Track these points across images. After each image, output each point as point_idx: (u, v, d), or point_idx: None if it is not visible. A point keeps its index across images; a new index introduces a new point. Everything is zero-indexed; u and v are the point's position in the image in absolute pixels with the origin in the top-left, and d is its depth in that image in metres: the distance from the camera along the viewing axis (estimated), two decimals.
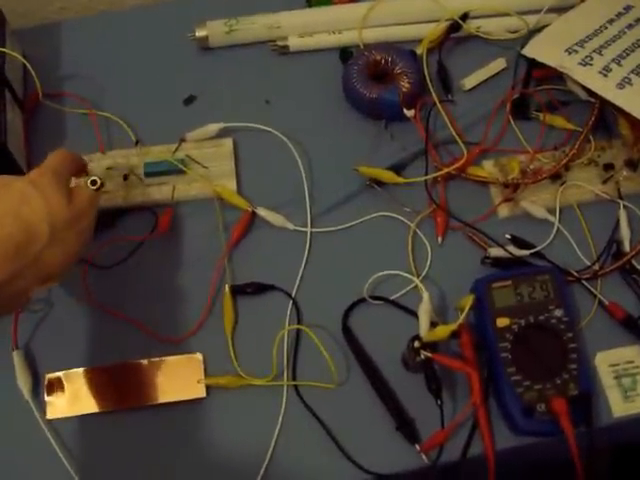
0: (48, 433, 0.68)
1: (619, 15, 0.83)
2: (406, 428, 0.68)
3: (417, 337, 0.68)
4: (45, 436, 0.68)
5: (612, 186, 0.78)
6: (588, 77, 0.78)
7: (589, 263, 0.75)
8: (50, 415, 0.69)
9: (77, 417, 0.69)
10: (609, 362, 0.71)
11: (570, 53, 0.80)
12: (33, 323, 0.73)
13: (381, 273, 0.73)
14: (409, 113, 0.81)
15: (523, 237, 0.76)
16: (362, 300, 0.73)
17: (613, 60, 0.79)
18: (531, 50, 0.82)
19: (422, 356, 0.67)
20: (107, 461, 0.68)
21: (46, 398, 0.70)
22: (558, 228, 0.77)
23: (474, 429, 0.67)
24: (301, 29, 0.88)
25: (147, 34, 0.91)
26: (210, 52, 0.88)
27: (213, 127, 0.81)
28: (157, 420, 0.69)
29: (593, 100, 0.80)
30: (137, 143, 0.81)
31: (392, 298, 0.74)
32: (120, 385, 0.71)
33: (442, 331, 0.67)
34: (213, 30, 0.87)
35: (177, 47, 0.89)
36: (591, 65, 0.78)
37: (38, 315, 0.73)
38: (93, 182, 0.77)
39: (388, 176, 0.78)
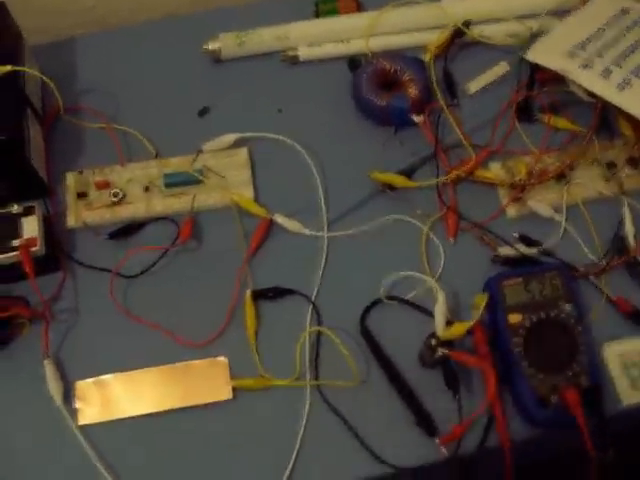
0: (81, 439, 0.70)
1: (617, 18, 0.86)
2: (425, 422, 0.70)
3: (434, 335, 0.71)
4: (78, 442, 0.70)
5: (615, 184, 0.81)
6: (589, 80, 0.81)
7: (596, 259, 0.78)
8: (82, 421, 0.72)
9: (108, 422, 0.72)
10: (617, 353, 0.74)
11: (571, 56, 0.82)
12: (62, 332, 0.76)
13: (396, 274, 0.76)
14: (418, 119, 0.84)
15: (531, 236, 0.79)
16: (379, 301, 0.76)
17: (613, 62, 0.81)
18: (533, 54, 0.85)
19: (439, 353, 0.70)
20: (140, 464, 0.70)
21: (77, 405, 0.72)
22: (565, 226, 0.79)
23: (490, 422, 0.70)
24: (309, 39, 0.90)
25: (160, 48, 0.93)
26: (222, 64, 0.91)
27: (229, 137, 0.83)
28: (186, 422, 0.72)
29: (595, 101, 0.82)
30: (156, 155, 0.84)
31: (407, 298, 0.76)
32: (148, 390, 0.73)
33: (458, 329, 0.70)
34: (225, 43, 0.89)
35: (190, 60, 0.91)
36: (592, 68, 0.81)
37: (67, 324, 0.76)
38: (115, 194, 0.80)
39: (400, 181, 0.81)
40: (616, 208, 0.80)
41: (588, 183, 0.81)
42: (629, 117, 0.80)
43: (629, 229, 0.78)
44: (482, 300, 0.72)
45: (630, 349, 0.74)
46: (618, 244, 0.79)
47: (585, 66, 0.81)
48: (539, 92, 0.86)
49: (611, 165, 0.82)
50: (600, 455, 0.68)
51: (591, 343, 0.73)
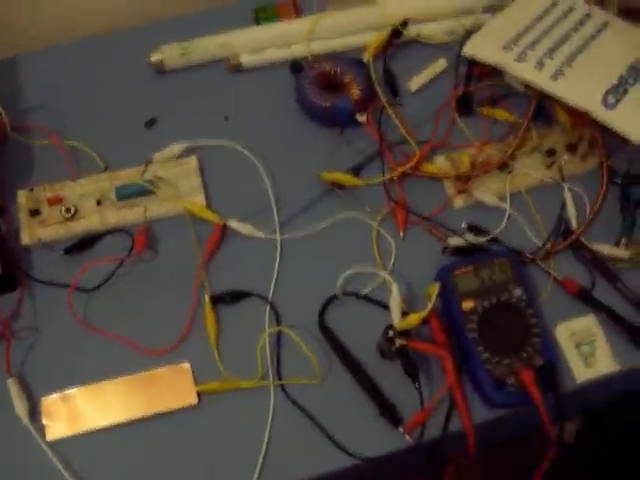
0: (50, 455, 0.71)
1: (547, 11, 0.89)
2: (388, 413, 0.72)
3: (390, 327, 0.73)
4: (48, 458, 0.71)
5: (556, 170, 0.84)
6: (524, 72, 0.84)
7: (541, 244, 0.81)
8: (50, 437, 0.72)
9: (76, 436, 0.72)
10: (569, 332, 0.77)
11: (506, 50, 0.85)
12: (24, 350, 0.76)
13: (350, 271, 0.77)
14: (362, 118, 0.86)
15: (479, 225, 0.81)
16: (335, 298, 0.78)
17: (546, 54, 0.84)
18: (470, 49, 0.87)
19: (397, 344, 0.72)
20: (111, 475, 0.71)
21: (44, 421, 0.73)
22: (510, 214, 0.82)
23: (451, 407, 0.72)
24: (252, 46, 0.92)
25: (104, 62, 0.94)
26: (166, 75, 0.92)
27: (177, 147, 0.85)
28: (154, 430, 0.73)
29: (530, 92, 0.85)
30: (106, 169, 0.84)
31: (363, 293, 0.78)
32: (114, 400, 0.73)
33: (414, 319, 0.72)
34: (167, 54, 0.90)
35: (134, 72, 0.92)
36: (526, 60, 0.84)
37: (28, 342, 0.76)
38: (68, 210, 0.80)
39: (348, 179, 0.83)
40: (558, 193, 0.83)
41: (530, 171, 0.84)
42: (564, 105, 0.83)
43: (571, 213, 0.82)
44: (434, 289, 0.74)
45: (581, 328, 0.77)
46: (562, 228, 0.81)
47: (520, 59, 0.84)
48: (477, 86, 0.89)
49: (550, 152, 0.85)
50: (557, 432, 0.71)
51: (543, 324, 0.75)
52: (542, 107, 0.86)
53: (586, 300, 0.78)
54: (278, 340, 0.76)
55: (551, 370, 0.73)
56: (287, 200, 0.83)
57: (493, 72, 0.88)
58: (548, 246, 0.80)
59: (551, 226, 0.81)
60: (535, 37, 0.86)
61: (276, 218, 0.82)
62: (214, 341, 0.76)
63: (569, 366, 0.75)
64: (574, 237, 0.80)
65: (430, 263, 0.79)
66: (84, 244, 0.80)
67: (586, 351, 0.76)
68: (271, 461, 0.71)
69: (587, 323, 0.77)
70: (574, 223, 0.81)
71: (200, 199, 0.83)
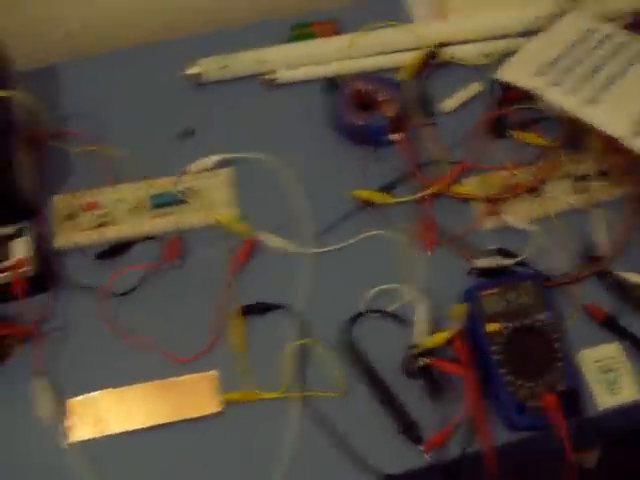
0: (72, 456, 0.72)
1: (583, 38, 0.89)
2: (409, 430, 0.73)
3: (415, 345, 0.73)
4: (69, 459, 0.72)
5: (586, 196, 0.84)
6: (557, 97, 0.84)
7: (568, 269, 0.81)
8: (73, 439, 0.73)
9: (99, 439, 0.73)
10: (593, 359, 0.76)
11: (539, 75, 0.86)
12: (52, 352, 0.77)
13: (378, 288, 0.78)
14: (395, 137, 0.87)
15: (506, 247, 0.82)
16: (362, 314, 0.79)
17: (579, 80, 0.85)
18: (504, 74, 0.88)
19: (421, 362, 0.72)
20: (132, 478, 0.72)
21: (68, 422, 0.74)
22: (538, 237, 0.82)
23: (473, 428, 0.72)
24: (287, 62, 0.93)
25: (143, 72, 0.96)
26: (204, 87, 0.94)
27: (212, 159, 0.86)
28: (176, 437, 0.73)
29: (563, 117, 0.86)
30: (143, 177, 0.86)
31: (390, 310, 0.79)
32: (138, 405, 0.75)
33: (438, 338, 0.73)
34: (206, 67, 0.92)
35: (172, 84, 0.94)
36: (560, 85, 0.85)
37: (56, 344, 0.78)
38: (102, 215, 0.82)
39: (379, 197, 0.84)
40: (587, 219, 0.83)
41: (560, 196, 0.84)
42: (597, 131, 0.84)
43: (600, 239, 0.82)
44: (461, 310, 0.74)
45: (605, 355, 0.77)
46: (589, 254, 0.82)
47: (554, 84, 0.85)
48: (510, 109, 0.89)
49: (581, 178, 0.85)
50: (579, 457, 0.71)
51: (567, 349, 0.75)
52: (575, 132, 0.87)
53: (611, 327, 0.78)
54: (303, 354, 0.77)
55: (574, 395, 0.73)
56: (318, 215, 0.84)
57: (527, 96, 0.88)
58: (575, 272, 0.81)
59: (579, 252, 0.82)
60: (570, 63, 0.87)
61: (306, 233, 0.83)
62: (240, 351, 0.77)
63: (592, 393, 0.75)
64: (601, 263, 0.80)
65: (455, 283, 0.79)
66: (116, 250, 0.82)
67: (610, 378, 0.76)
68: (290, 472, 0.72)
69: (612, 350, 0.77)
70: (602, 249, 0.81)
71: (232, 211, 0.84)
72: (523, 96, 0.88)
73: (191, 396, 0.75)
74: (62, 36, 1.02)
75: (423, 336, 0.74)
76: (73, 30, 1.01)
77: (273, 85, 0.93)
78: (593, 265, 0.81)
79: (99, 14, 1.02)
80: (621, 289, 0.79)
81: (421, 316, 0.74)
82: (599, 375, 0.76)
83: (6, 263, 0.75)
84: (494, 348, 0.74)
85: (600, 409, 0.74)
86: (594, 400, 0.75)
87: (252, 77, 0.94)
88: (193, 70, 0.92)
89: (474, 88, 0.92)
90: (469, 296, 0.77)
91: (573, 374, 0.74)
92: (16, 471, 0.72)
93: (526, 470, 1.00)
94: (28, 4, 0.98)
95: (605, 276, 0.80)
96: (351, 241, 0.83)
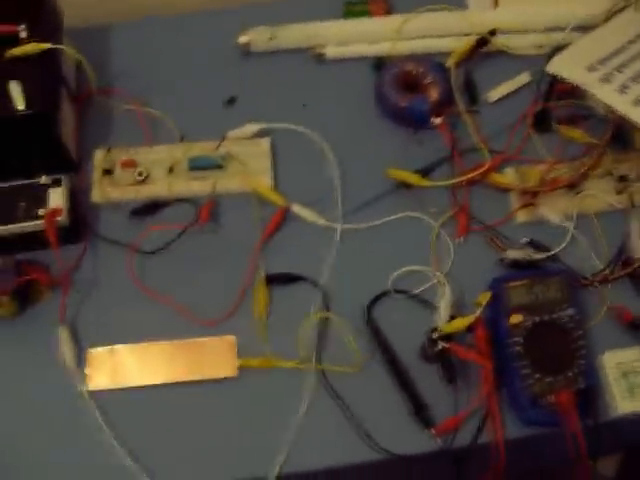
0: (89, 403, 0.74)
1: (638, 36, 0.88)
2: (421, 413, 0.73)
3: (436, 328, 0.73)
4: (87, 406, 0.74)
5: (626, 197, 0.83)
6: (607, 94, 0.83)
7: (600, 268, 0.80)
8: (91, 387, 0.75)
9: (117, 390, 0.75)
10: (616, 361, 0.75)
11: (590, 70, 0.84)
12: (79, 301, 0.79)
13: (405, 269, 0.78)
14: (437, 121, 0.86)
15: (539, 241, 0.81)
16: (386, 293, 0.79)
17: (631, 78, 0.83)
18: (554, 67, 0.86)
19: (439, 346, 0.72)
20: (144, 432, 0.73)
21: (87, 371, 0.75)
22: (573, 234, 0.81)
23: (486, 417, 0.72)
24: (338, 38, 0.93)
25: (193, 38, 0.97)
26: (252, 57, 0.95)
27: (252, 127, 0.87)
28: (192, 396, 0.75)
29: (611, 115, 0.84)
30: (182, 139, 0.87)
31: (414, 292, 0.79)
32: (158, 362, 0.76)
33: (459, 323, 0.73)
34: (255, 36, 0.93)
35: (221, 51, 0.95)
36: (610, 82, 0.83)
37: (84, 294, 0.79)
38: (140, 173, 0.83)
39: (415, 179, 0.83)
40: (625, 220, 0.82)
41: (599, 194, 0.83)
42: None
43: (635, 242, 0.80)
44: (485, 298, 0.74)
45: (628, 358, 0.75)
46: (624, 256, 0.80)
47: (604, 80, 0.83)
48: (557, 104, 0.88)
49: (623, 178, 0.84)
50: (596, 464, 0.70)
51: (590, 348, 0.74)
52: (621, 132, 0.85)
53: (637, 331, 0.76)
54: (324, 327, 0.77)
55: (591, 396, 0.72)
56: (352, 192, 0.84)
57: (576, 91, 0.87)
58: (607, 272, 0.79)
59: (613, 252, 0.80)
60: (622, 61, 0.85)
61: (339, 207, 0.83)
62: (262, 319, 0.77)
63: (612, 395, 0.73)
64: (635, 266, 0.79)
65: (484, 272, 0.79)
66: (150, 209, 0.83)
67: (632, 383, 0.74)
68: (299, 443, 0.72)
69: (636, 355, 0.76)
70: (637, 253, 0.80)
71: (267, 180, 0.85)
72: (572, 91, 0.87)
73: (209, 358, 0.76)
74: None
75: (445, 319, 0.73)
76: None
77: (321, 60, 0.94)
78: (626, 267, 0.79)
79: None
80: None
81: (447, 299, 0.74)
82: (621, 379, 0.75)
83: (41, 211, 0.77)
84: (515, 340, 0.73)
85: (619, 413, 0.73)
86: (614, 404, 0.73)
87: (301, 50, 0.94)
88: (242, 39, 0.93)
89: (522, 79, 0.91)
90: (495, 285, 0.76)
91: (593, 374, 0.73)
92: (35, 410, 0.74)
93: (541, 477, 0.99)
94: None
95: (637, 279, 0.79)
96: (383, 220, 0.83)
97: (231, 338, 0.77)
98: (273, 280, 0.79)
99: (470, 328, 0.74)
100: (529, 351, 0.73)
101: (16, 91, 0.76)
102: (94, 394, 0.74)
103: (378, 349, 0.76)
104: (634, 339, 0.77)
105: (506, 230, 0.82)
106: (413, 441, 0.72)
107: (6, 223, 0.78)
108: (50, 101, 0.80)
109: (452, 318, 0.74)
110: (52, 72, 0.83)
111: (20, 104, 0.76)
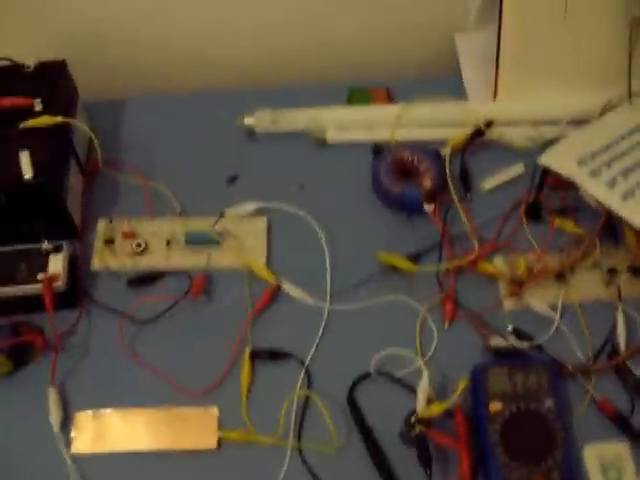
0: (71, 466, 0.75)
1: (630, 133, 0.89)
2: None
3: (414, 412, 0.74)
4: (68, 469, 0.75)
5: (614, 289, 0.84)
6: (595, 187, 0.84)
7: (585, 360, 0.80)
8: (75, 450, 0.76)
9: (99, 455, 0.76)
10: (597, 454, 0.75)
11: (581, 164, 0.86)
12: (70, 365, 0.81)
13: (387, 351, 0.80)
14: (429, 208, 0.88)
15: (525, 330, 0.81)
16: (369, 375, 0.79)
17: (620, 173, 0.85)
18: (546, 159, 0.88)
19: (417, 430, 0.73)
20: None
21: (73, 434, 0.77)
22: (558, 324, 0.82)
23: None
24: (339, 124, 0.97)
25: (201, 116, 1.02)
26: (256, 137, 0.99)
27: (250, 206, 0.90)
28: (171, 465, 0.75)
29: (602, 209, 0.86)
30: (181, 213, 0.91)
31: (397, 375, 0.79)
32: (141, 429, 0.77)
33: (436, 408, 0.73)
34: (260, 119, 0.97)
35: (227, 130, 0.99)
36: (599, 177, 0.85)
37: (75, 358, 0.81)
38: (138, 245, 0.86)
39: (404, 264, 0.85)
40: (611, 313, 0.82)
41: (587, 286, 0.84)
42: (631, 226, 0.83)
43: (621, 334, 0.80)
44: (462, 384, 0.74)
45: (611, 452, 0.75)
46: (609, 348, 0.80)
47: (593, 174, 0.85)
48: (549, 195, 0.90)
49: (612, 271, 0.84)
50: None
51: (570, 441, 0.74)
52: (612, 225, 0.86)
53: (621, 425, 0.76)
54: (305, 404, 0.78)
55: None
56: (342, 273, 0.86)
57: (568, 183, 0.88)
58: (591, 363, 0.80)
59: (598, 344, 0.81)
60: (613, 156, 0.87)
61: (328, 288, 0.85)
62: (245, 393, 0.78)
63: None
64: (619, 359, 0.79)
65: (469, 358, 0.79)
66: (147, 279, 0.86)
67: (612, 477, 0.74)
68: None
69: (618, 449, 0.75)
70: (622, 345, 0.80)
71: (261, 258, 0.87)
72: (564, 183, 0.89)
73: (192, 428, 0.77)
74: (142, 71, 1.09)
75: (423, 404, 0.74)
76: (146, 69, 1.08)
77: (323, 144, 0.97)
78: (611, 360, 0.80)
79: (172, 57, 1.09)
80: (636, 388, 0.78)
81: (424, 384, 0.75)
82: (601, 472, 0.74)
83: (40, 275, 0.80)
84: (494, 427, 0.73)
85: None
86: None
87: (304, 134, 0.98)
88: (248, 121, 0.97)
89: (516, 170, 0.93)
90: (476, 372, 0.77)
91: (572, 466, 0.72)
92: (20, 468, 0.76)
93: None
94: (112, 44, 1.06)
95: (623, 373, 0.79)
96: (371, 302, 0.84)
97: (214, 410, 0.78)
98: (259, 355, 0.81)
99: (450, 413, 0.74)
100: (507, 439, 0.73)
101: (25, 160, 0.80)
102: (76, 457, 0.76)
103: (358, 430, 0.76)
104: (616, 433, 0.76)
105: (493, 317, 0.83)
106: None
107: (6, 285, 0.81)
108: (57, 171, 0.85)
109: (430, 402, 0.74)
110: (62, 144, 0.88)
111: (28, 173, 0.80)
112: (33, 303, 0.81)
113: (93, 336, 0.83)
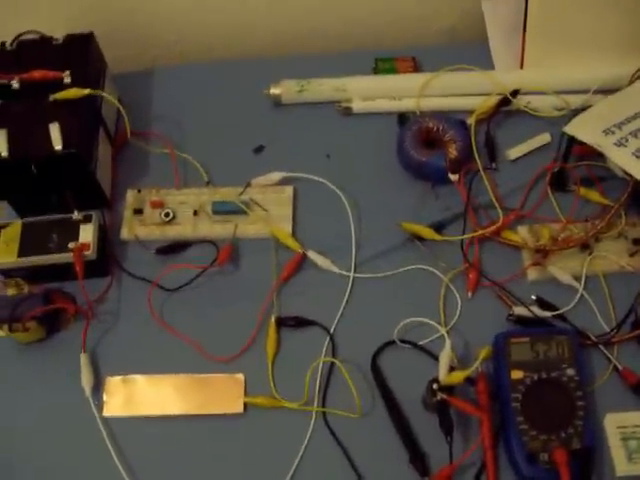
0: (102, 429, 0.77)
1: None
2: (418, 461, 0.74)
3: (436, 380, 0.75)
4: (100, 431, 0.77)
5: (638, 260, 0.84)
6: (621, 157, 0.84)
7: (608, 329, 0.80)
8: (106, 413, 0.79)
9: (129, 417, 0.79)
10: (617, 424, 0.76)
11: (607, 134, 0.86)
12: (101, 331, 0.84)
13: (411, 319, 0.81)
14: (453, 177, 0.89)
15: (548, 299, 0.82)
16: (392, 342, 0.81)
17: None
18: (572, 128, 0.88)
19: (438, 397, 0.74)
20: (151, 460, 0.76)
21: (104, 397, 0.80)
22: (582, 294, 0.82)
23: (481, 470, 0.73)
24: (365, 93, 0.97)
25: (229, 86, 1.03)
26: (282, 107, 0.99)
27: (276, 175, 0.91)
28: (199, 429, 0.78)
29: (628, 178, 0.85)
30: (208, 183, 0.92)
31: (420, 343, 0.81)
32: (170, 394, 0.79)
33: (457, 376, 0.74)
34: (286, 88, 0.97)
35: (253, 100, 1.00)
36: (625, 146, 0.84)
37: (106, 325, 0.84)
38: (167, 214, 0.87)
39: (428, 233, 0.86)
40: (636, 283, 0.83)
41: (611, 256, 0.84)
42: None
43: None
44: (485, 352, 0.75)
45: (630, 422, 0.76)
46: (632, 318, 0.81)
47: (619, 144, 0.85)
48: (575, 164, 0.90)
49: (637, 241, 0.85)
50: None
51: (591, 409, 0.75)
52: (637, 195, 0.86)
53: None
54: (330, 371, 0.80)
55: (588, 456, 0.72)
56: (367, 242, 0.87)
57: (595, 153, 0.88)
58: (614, 333, 0.80)
59: (622, 315, 0.81)
60: (638, 126, 0.86)
61: (353, 256, 0.86)
62: (271, 359, 0.80)
63: (611, 458, 0.74)
64: None
65: (492, 327, 0.80)
66: (174, 248, 0.88)
67: (633, 446, 0.75)
68: None
69: (638, 418, 0.76)
70: None
71: (287, 227, 0.88)
72: (591, 152, 0.88)
73: (218, 394, 0.79)
74: (171, 42, 1.10)
75: (445, 372, 0.75)
76: (179, 38, 1.09)
77: (348, 113, 0.97)
78: (634, 331, 0.80)
79: (197, 28, 1.10)
80: None
81: (447, 352, 0.76)
82: (621, 441, 0.75)
83: (71, 244, 0.82)
84: (515, 395, 0.74)
85: (617, 476, 0.73)
86: (613, 466, 0.74)
87: (330, 104, 0.99)
88: (274, 91, 0.98)
89: (542, 139, 0.93)
90: (498, 341, 0.78)
91: (592, 435, 0.73)
92: (53, 430, 0.79)
93: None
94: (146, 9, 1.07)
95: None
96: (395, 271, 0.85)
97: (240, 376, 0.80)
98: (284, 322, 0.82)
99: (472, 381, 0.76)
100: (527, 407, 0.74)
101: (55, 132, 0.82)
102: (108, 420, 0.78)
103: (381, 396, 0.78)
104: (638, 402, 0.77)
105: (516, 287, 0.83)
106: None
107: (39, 254, 0.83)
108: (87, 142, 0.86)
109: (452, 370, 0.76)
110: (91, 115, 0.89)
111: (57, 144, 0.81)
112: (64, 272, 0.83)
113: (123, 304, 0.85)
